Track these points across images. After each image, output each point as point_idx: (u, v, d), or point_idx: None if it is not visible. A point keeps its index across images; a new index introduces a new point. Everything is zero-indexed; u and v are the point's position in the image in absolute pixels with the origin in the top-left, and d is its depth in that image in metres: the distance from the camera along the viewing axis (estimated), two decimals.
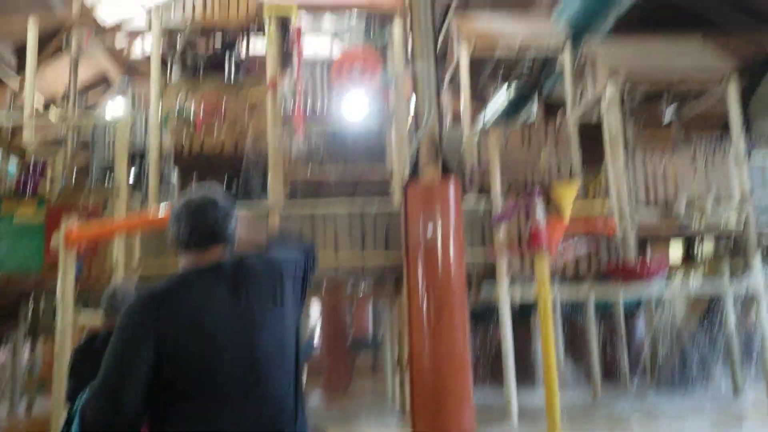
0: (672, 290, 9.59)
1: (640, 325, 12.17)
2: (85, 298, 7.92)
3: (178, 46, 10.49)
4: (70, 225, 6.11)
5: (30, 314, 10.33)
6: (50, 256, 7.91)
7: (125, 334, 2.01)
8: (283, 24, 9.30)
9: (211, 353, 2.01)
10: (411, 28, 7.15)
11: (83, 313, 6.92)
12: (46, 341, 10.72)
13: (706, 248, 10.65)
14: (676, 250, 11.25)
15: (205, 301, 2.06)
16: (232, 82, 10.72)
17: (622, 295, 9.66)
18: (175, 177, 10.74)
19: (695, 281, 9.55)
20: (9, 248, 8.20)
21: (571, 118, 10.41)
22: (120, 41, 18.06)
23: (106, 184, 12.82)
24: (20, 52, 15.00)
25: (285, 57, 9.64)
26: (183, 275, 2.16)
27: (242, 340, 2.06)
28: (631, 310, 11.84)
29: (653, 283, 9.00)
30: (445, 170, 6.76)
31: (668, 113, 11.42)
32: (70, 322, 6.10)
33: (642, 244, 9.62)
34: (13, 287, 8.44)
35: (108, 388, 1.94)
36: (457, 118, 13.08)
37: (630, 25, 11.66)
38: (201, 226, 2.20)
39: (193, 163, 10.64)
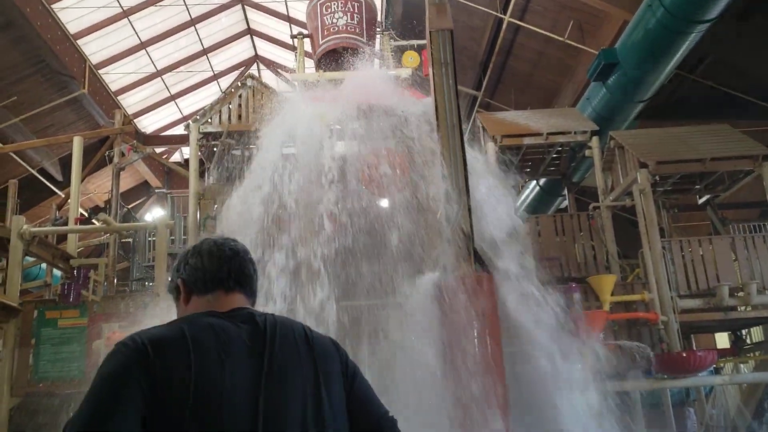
0: (722, 380, 9.28)
1: (692, 415, 11.67)
2: None
3: (215, 152, 10.87)
4: (111, 330, 6.21)
5: None
6: (92, 362, 8.01)
7: (105, 387, 1.57)
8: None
9: (212, 422, 1.57)
10: (437, 125, 7.33)
11: None
12: None
13: (754, 335, 10.33)
14: (722, 339, 10.92)
15: (218, 353, 1.63)
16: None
17: (669, 385, 9.32)
18: None
19: (746, 370, 9.23)
20: (52, 354, 8.34)
21: (604, 205, 10.40)
22: (159, 149, 18.79)
23: (146, 285, 13.10)
24: (66, 164, 15.71)
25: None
26: (189, 318, 1.74)
27: (254, 420, 1.61)
28: (681, 400, 11.40)
29: (702, 373, 8.71)
30: (479, 263, 6.76)
31: (702, 195, 11.36)
32: None
33: (686, 333, 9.38)
34: (56, 395, 8.50)
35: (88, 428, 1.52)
36: None
37: (655, 112, 11.84)
38: (226, 263, 1.84)
39: None
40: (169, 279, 1.93)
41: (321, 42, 10.97)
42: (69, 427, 1.55)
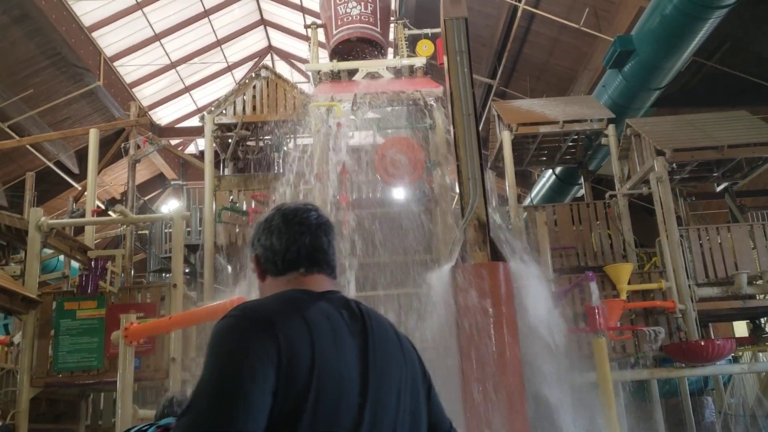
0: (741, 368, 9.21)
1: (710, 404, 11.60)
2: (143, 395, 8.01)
3: (230, 144, 10.91)
4: (129, 321, 6.26)
5: (90, 411, 10.46)
6: (110, 352, 8.09)
7: (238, 348, 1.40)
8: (328, 117, 9.62)
9: (336, 409, 1.44)
10: (452, 113, 7.30)
11: (141, 409, 6.98)
12: None
13: None
14: (740, 327, 10.84)
15: (336, 333, 1.51)
16: (281, 173, 11.06)
17: (687, 374, 9.28)
18: (229, 269, 10.97)
19: (765, 358, 9.17)
20: (71, 345, 8.43)
21: (620, 194, 10.33)
22: (175, 141, 18.87)
23: (162, 277, 13.20)
24: (82, 157, 15.82)
25: (331, 147, 9.92)
26: (292, 294, 1.59)
27: (365, 410, 1.49)
28: (699, 389, 11.33)
29: (720, 362, 8.65)
30: (494, 252, 6.74)
31: (720, 183, 11.26)
32: (129, 418, 6.16)
33: (703, 322, 9.32)
34: (75, 385, 8.60)
35: (218, 424, 1.33)
36: (502, 199, 13.13)
37: (672, 99, 11.73)
38: (303, 235, 1.67)
39: (247, 254, 10.85)
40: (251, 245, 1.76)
41: (335, 32, 10.93)
42: (191, 419, 1.34)
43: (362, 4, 10.81)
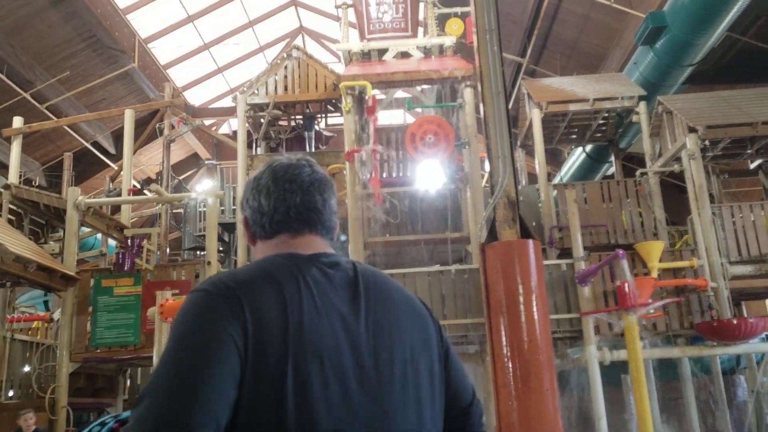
0: None
1: (742, 383, 11.53)
2: None
3: (262, 123, 11.04)
4: (165, 298, 6.44)
5: (128, 386, 10.75)
6: (147, 328, 8.31)
7: (195, 330, 1.25)
8: (359, 97, 9.69)
9: (315, 381, 1.27)
10: (482, 92, 7.31)
11: None
12: None
13: None
14: None
15: (316, 300, 1.34)
16: (313, 151, 11.18)
17: (718, 352, 9.23)
18: None
19: None
20: (108, 321, 8.67)
21: (651, 171, 10.25)
22: (208, 122, 19.07)
23: (197, 254, 13.45)
24: (118, 137, 16.11)
25: (362, 127, 10.00)
26: (272, 259, 1.43)
27: (361, 384, 1.33)
28: (731, 368, 11.26)
29: (753, 341, 8.60)
30: (523, 230, 6.77)
31: (753, 160, 11.09)
32: None
33: (736, 300, 9.25)
34: (113, 360, 8.85)
35: (168, 416, 1.15)
36: (533, 177, 13.09)
37: (705, 76, 11.55)
38: (293, 193, 1.50)
39: None
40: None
41: (367, 36, 10.92)
42: (144, 407, 1.18)
43: (394, 6, 10.76)
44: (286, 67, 10.84)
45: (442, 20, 10.93)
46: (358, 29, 11.35)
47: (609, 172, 14.20)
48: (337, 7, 11.94)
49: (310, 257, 1.44)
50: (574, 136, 12.28)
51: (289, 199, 1.49)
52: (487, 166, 7.67)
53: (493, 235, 6.84)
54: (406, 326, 1.45)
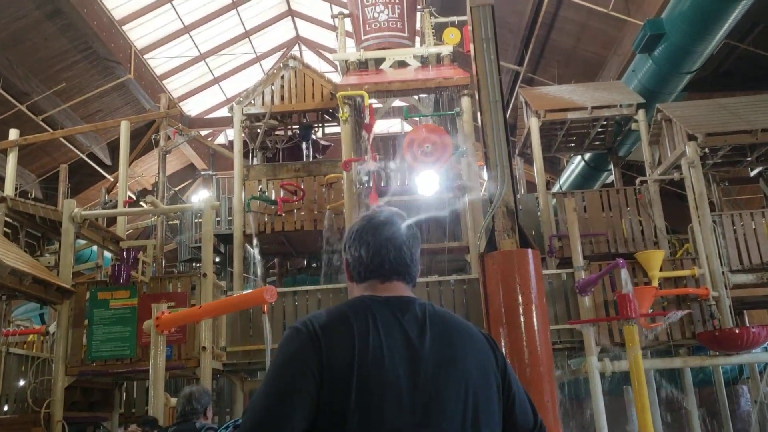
0: None
1: (745, 393, 11.43)
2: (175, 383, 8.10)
3: (259, 133, 10.97)
4: (160, 311, 6.34)
5: (124, 399, 10.63)
6: (142, 341, 8.21)
7: (281, 373, 1.64)
8: (356, 106, 9.64)
9: (378, 407, 1.57)
10: (480, 101, 7.26)
11: (173, 397, 7.08)
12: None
13: None
14: None
15: (383, 339, 1.64)
16: (309, 161, 11.11)
17: (721, 362, 9.13)
18: (257, 257, 11.04)
19: None
20: (104, 334, 8.57)
21: (651, 179, 10.19)
22: (204, 132, 19.00)
23: (193, 266, 13.35)
24: (114, 149, 16.06)
25: (359, 136, 9.94)
26: (354, 302, 1.76)
27: (414, 409, 1.60)
28: (734, 378, 11.17)
29: (756, 350, 8.51)
30: (523, 239, 6.70)
31: (753, 167, 11.04)
32: (162, 406, 6.26)
33: (738, 309, 9.17)
34: (109, 373, 8.74)
35: (260, 426, 1.56)
36: (531, 185, 13.03)
37: (704, 83, 11.52)
38: (379, 254, 1.80)
39: (275, 243, 10.96)
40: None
41: (363, 36, 10.90)
42: (249, 413, 1.61)
43: (390, 7, 10.74)
44: (282, 77, 10.79)
45: (439, 29, 10.91)
46: (354, 34, 11.32)
47: (608, 181, 14.15)
48: (333, 17, 11.93)
49: (387, 300, 1.74)
50: (573, 145, 12.23)
51: (385, 255, 1.80)
52: (485, 175, 7.61)
53: (492, 244, 6.77)
54: (467, 362, 1.70)
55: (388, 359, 1.61)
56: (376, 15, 10.75)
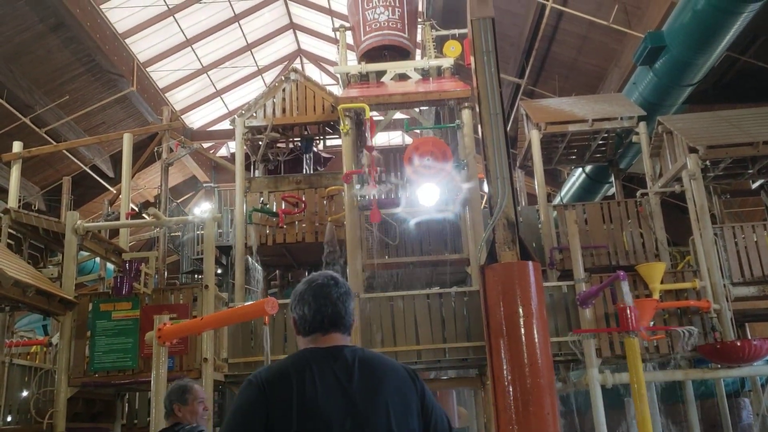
0: None
1: (747, 406, 11.39)
2: None
3: (261, 146, 11.02)
4: (162, 322, 6.36)
5: (126, 410, 10.62)
6: (145, 353, 8.22)
7: (239, 413, 2.10)
8: (357, 119, 9.68)
9: None
10: (480, 113, 7.29)
11: None
12: None
13: None
14: None
15: (317, 384, 2.07)
16: (311, 173, 11.15)
17: (722, 375, 9.10)
18: (259, 269, 11.06)
19: None
20: (107, 345, 8.58)
21: (652, 192, 10.20)
22: (206, 144, 19.06)
23: (195, 278, 13.37)
24: (117, 161, 16.10)
25: (360, 148, 9.98)
26: (298, 356, 2.18)
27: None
28: (736, 391, 11.13)
29: (757, 363, 8.49)
30: (523, 251, 6.71)
31: (755, 180, 11.04)
32: (163, 417, 6.24)
33: (740, 321, 9.15)
34: (111, 384, 8.74)
35: None
36: (532, 197, 13.05)
37: (705, 95, 11.54)
38: (320, 312, 2.20)
39: (277, 255, 10.98)
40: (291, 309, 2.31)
41: (363, 38, 10.97)
42: None
43: (390, 9, 10.82)
44: (284, 90, 10.85)
45: (440, 42, 10.96)
46: (354, 39, 11.37)
47: (609, 193, 14.16)
48: (334, 30, 12.00)
49: (325, 350, 2.17)
50: (574, 157, 12.25)
51: (324, 311, 2.20)
52: (486, 187, 7.63)
53: (492, 256, 6.77)
54: (387, 390, 2.13)
55: (322, 399, 2.03)
56: (376, 16, 10.82)
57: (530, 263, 6.60)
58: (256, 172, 11.62)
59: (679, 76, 10.64)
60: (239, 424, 2.08)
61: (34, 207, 16.15)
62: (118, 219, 12.00)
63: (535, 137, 10.51)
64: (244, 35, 20.11)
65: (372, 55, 10.92)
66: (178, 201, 19.03)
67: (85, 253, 11.11)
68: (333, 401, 2.04)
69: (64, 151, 16.02)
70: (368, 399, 2.07)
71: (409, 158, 8.58)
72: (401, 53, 10.92)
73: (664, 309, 8.71)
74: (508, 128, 7.93)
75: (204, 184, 19.71)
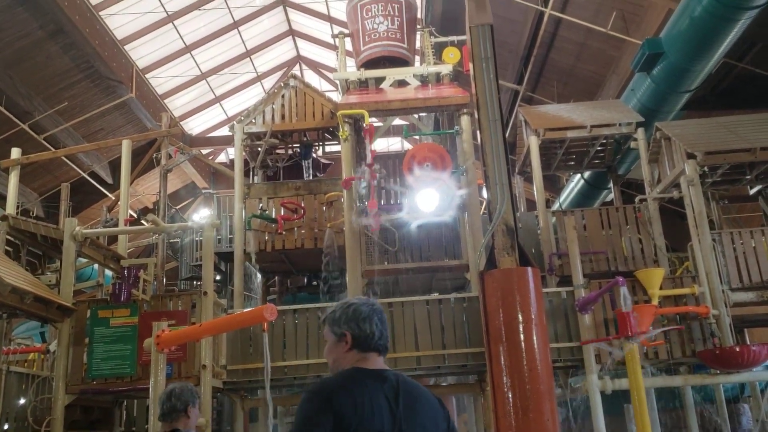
0: None
1: (747, 412, 11.38)
2: None
3: (260, 152, 11.02)
4: (161, 329, 6.34)
5: (124, 418, 10.59)
6: (143, 360, 8.20)
7: (308, 422, 2.26)
8: (356, 125, 9.69)
9: None
10: (479, 120, 7.30)
11: None
12: None
13: None
14: None
15: (373, 402, 2.31)
16: (310, 179, 11.16)
17: (721, 381, 9.10)
18: (258, 276, 11.06)
19: None
20: (105, 353, 8.56)
21: (651, 198, 10.22)
22: (206, 151, 19.05)
23: (193, 284, 13.35)
24: (115, 167, 16.10)
25: (359, 154, 9.98)
26: (352, 373, 2.42)
27: None
28: (735, 396, 11.12)
29: (757, 369, 8.49)
30: (522, 257, 6.72)
31: (753, 186, 11.06)
32: (161, 425, 6.23)
33: (738, 327, 9.15)
34: (109, 392, 8.72)
35: None
36: (531, 203, 13.05)
37: (703, 102, 11.57)
38: (383, 334, 2.48)
39: (276, 261, 10.97)
40: (333, 322, 2.51)
41: (362, 48, 10.99)
42: None
43: (389, 19, 10.84)
44: (283, 96, 10.85)
45: (438, 49, 10.99)
46: (353, 48, 11.39)
47: (608, 199, 14.17)
48: (333, 36, 12.03)
49: (374, 371, 2.43)
50: (572, 163, 12.27)
51: (386, 335, 2.51)
52: (485, 193, 7.64)
53: (491, 262, 6.78)
54: (425, 416, 2.44)
55: (377, 418, 2.28)
56: (375, 26, 10.85)
57: (529, 269, 6.60)
58: (255, 178, 11.62)
59: (676, 83, 10.67)
60: (310, 428, 2.25)
61: (33, 213, 16.15)
62: (116, 225, 11.99)
63: (533, 143, 10.53)
64: (243, 42, 20.15)
65: (371, 65, 10.95)
66: (177, 207, 19.02)
67: (84, 260, 11.10)
68: (384, 420, 2.29)
69: (63, 158, 16.02)
70: (409, 421, 2.35)
71: (408, 168, 8.59)
72: (400, 64, 10.95)
73: (663, 315, 8.71)
74: (507, 134, 7.95)
75: (203, 191, 19.69)
